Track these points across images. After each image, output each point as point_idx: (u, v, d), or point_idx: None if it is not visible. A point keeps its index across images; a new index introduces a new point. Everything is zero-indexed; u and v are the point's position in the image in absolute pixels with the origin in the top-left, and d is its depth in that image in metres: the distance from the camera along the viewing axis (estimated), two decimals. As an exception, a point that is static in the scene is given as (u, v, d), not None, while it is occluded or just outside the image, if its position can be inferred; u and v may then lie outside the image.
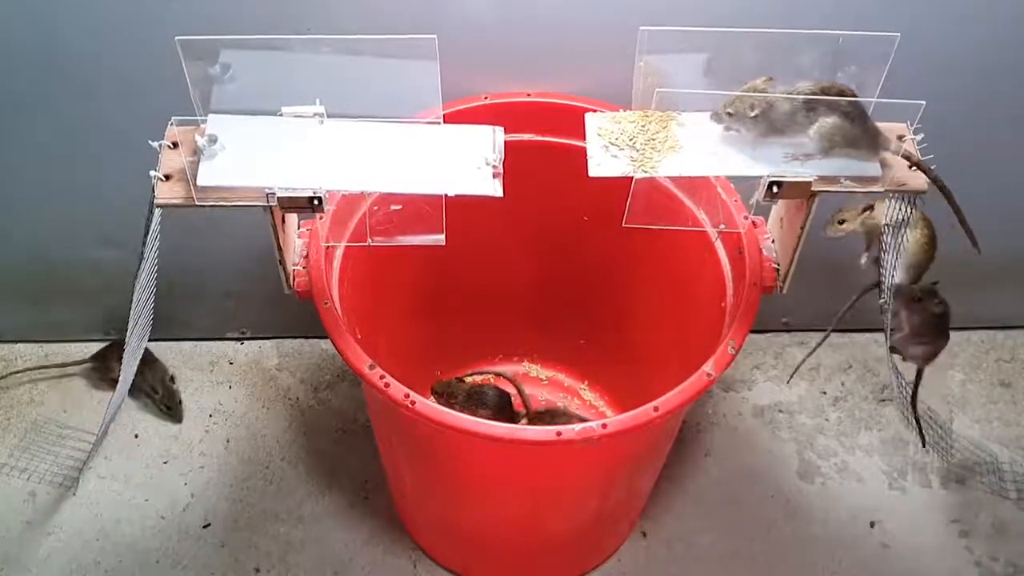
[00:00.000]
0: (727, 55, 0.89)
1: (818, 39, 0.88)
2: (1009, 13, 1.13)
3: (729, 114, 0.88)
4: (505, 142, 0.92)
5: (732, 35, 0.88)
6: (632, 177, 0.88)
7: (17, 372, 1.51)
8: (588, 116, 0.92)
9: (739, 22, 0.89)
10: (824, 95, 0.86)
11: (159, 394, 1.44)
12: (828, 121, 0.86)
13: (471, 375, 1.45)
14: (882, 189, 0.89)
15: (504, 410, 1.28)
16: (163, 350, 1.53)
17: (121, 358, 1.40)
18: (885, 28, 0.85)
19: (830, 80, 0.87)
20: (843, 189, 0.88)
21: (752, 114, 0.87)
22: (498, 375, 1.47)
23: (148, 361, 1.46)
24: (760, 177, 0.87)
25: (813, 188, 0.87)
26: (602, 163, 0.88)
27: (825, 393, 1.52)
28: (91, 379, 1.51)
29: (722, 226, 1.07)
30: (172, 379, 1.47)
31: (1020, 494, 1.39)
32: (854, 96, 0.87)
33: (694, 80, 0.89)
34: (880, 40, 0.86)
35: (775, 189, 0.87)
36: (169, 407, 1.45)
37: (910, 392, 1.15)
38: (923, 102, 0.83)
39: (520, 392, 1.40)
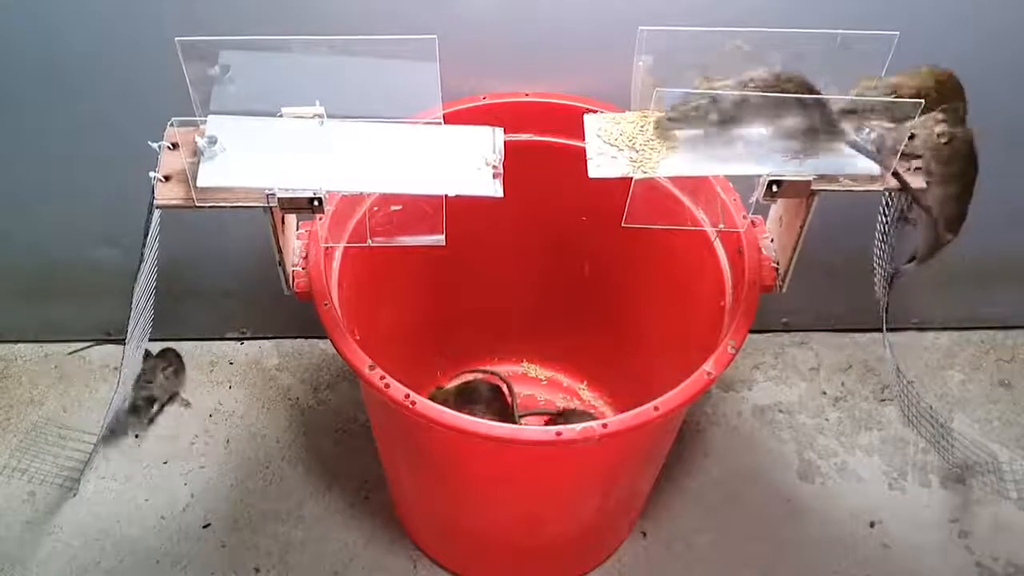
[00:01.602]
0: (724, 55, 0.89)
1: (816, 38, 0.88)
2: (1007, 11, 1.13)
3: (671, 119, 0.87)
4: (504, 142, 0.92)
5: (730, 35, 0.88)
6: (631, 178, 0.88)
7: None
8: (587, 117, 0.92)
9: (739, 22, 0.89)
10: (780, 85, 0.85)
11: (138, 385, 1.41)
12: (787, 123, 0.86)
13: (463, 373, 1.47)
14: (881, 188, 0.89)
15: (494, 403, 1.28)
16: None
17: None
18: (883, 26, 0.85)
19: (787, 72, 0.86)
20: (842, 188, 0.88)
21: (692, 109, 0.86)
22: (491, 373, 1.47)
23: (169, 366, 1.45)
24: (759, 176, 0.87)
25: (813, 187, 0.88)
26: (601, 164, 0.88)
27: (825, 393, 1.52)
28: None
29: (721, 225, 1.07)
30: (171, 398, 1.44)
31: (1020, 494, 1.38)
32: (809, 86, 0.86)
33: (693, 80, 0.89)
34: (878, 39, 0.86)
35: (774, 188, 0.87)
36: (136, 407, 1.41)
37: (913, 390, 1.14)
38: (921, 100, 0.84)
39: (510, 390, 1.40)
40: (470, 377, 1.43)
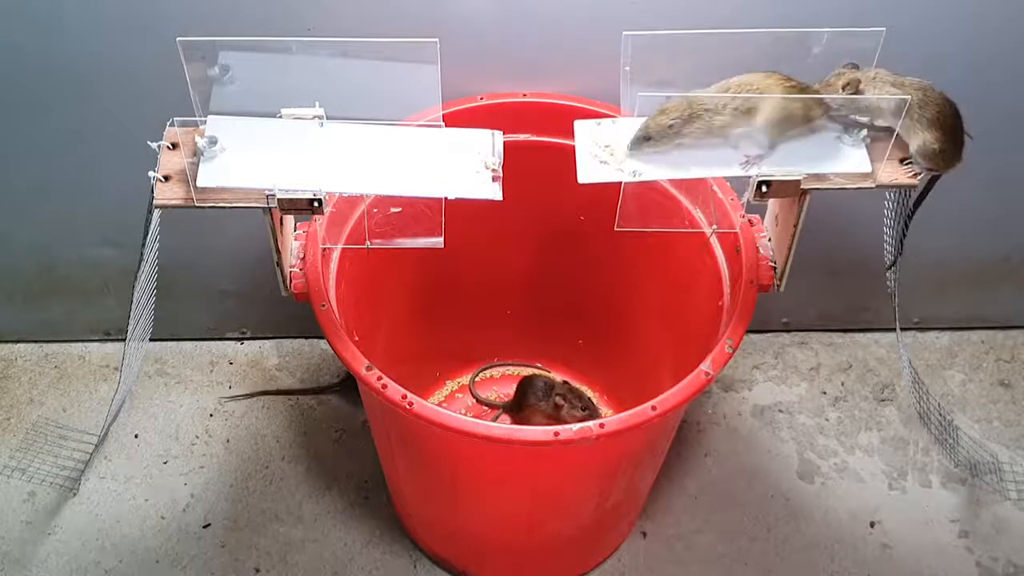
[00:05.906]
0: (712, 57, 0.89)
1: (804, 37, 0.88)
2: (1001, 8, 1.13)
3: (647, 138, 0.88)
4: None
5: (716, 36, 0.88)
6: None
7: (277, 393, 1.49)
8: (577, 123, 0.93)
9: (734, 24, 0.89)
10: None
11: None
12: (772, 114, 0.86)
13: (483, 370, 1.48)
14: (873, 186, 0.89)
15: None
16: (163, 350, 1.53)
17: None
18: (876, 23, 0.86)
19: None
20: (833, 186, 0.88)
21: (669, 123, 0.86)
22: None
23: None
24: (750, 176, 0.88)
25: (803, 186, 0.88)
26: (591, 169, 0.89)
27: (825, 393, 1.52)
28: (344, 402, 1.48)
29: (714, 226, 1.08)
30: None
31: (1020, 494, 1.38)
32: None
33: (679, 82, 0.89)
34: (866, 35, 0.86)
35: (764, 188, 0.87)
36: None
37: (923, 386, 1.13)
38: (908, 96, 0.84)
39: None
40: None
